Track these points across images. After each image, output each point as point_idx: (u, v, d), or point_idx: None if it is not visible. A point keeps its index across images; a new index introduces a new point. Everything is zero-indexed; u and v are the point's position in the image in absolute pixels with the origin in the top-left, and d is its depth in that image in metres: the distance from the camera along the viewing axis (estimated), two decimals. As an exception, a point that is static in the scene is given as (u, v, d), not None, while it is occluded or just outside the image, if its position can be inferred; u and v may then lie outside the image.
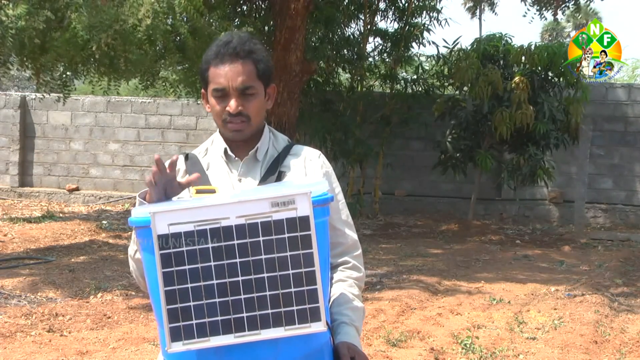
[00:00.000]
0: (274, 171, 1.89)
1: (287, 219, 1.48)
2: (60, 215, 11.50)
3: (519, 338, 5.21)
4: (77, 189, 13.74)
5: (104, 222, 10.78)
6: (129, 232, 9.55)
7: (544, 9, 11.84)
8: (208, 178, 1.89)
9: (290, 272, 1.49)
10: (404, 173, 12.55)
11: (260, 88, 1.88)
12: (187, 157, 1.96)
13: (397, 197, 12.55)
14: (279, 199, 1.48)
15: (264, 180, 1.88)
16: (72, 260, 7.89)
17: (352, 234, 1.94)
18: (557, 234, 10.81)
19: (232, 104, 1.83)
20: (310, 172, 1.92)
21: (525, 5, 11.89)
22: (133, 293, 6.31)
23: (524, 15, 12.22)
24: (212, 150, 1.97)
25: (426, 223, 11.49)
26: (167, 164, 1.74)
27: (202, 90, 1.94)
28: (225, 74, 1.84)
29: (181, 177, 1.90)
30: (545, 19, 12.29)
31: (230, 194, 1.71)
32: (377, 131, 11.80)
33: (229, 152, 1.92)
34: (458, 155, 11.17)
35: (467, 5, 29.54)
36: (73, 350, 4.66)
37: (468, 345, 4.92)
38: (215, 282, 1.48)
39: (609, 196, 12.07)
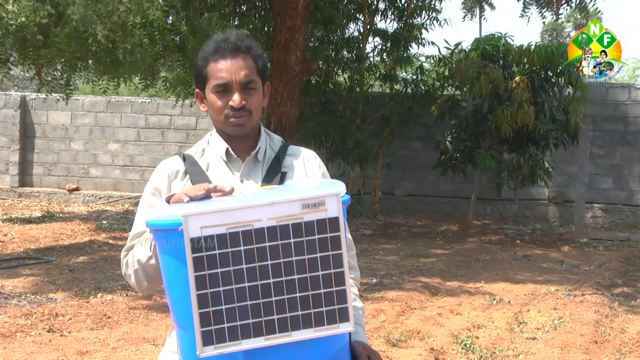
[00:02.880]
0: (276, 172, 1.89)
1: (317, 220, 1.48)
2: (60, 215, 11.49)
3: (519, 338, 5.21)
4: (77, 189, 13.74)
5: (104, 222, 10.78)
6: (129, 232, 9.53)
7: (544, 9, 11.82)
8: (208, 178, 1.87)
9: (320, 273, 1.48)
10: (404, 173, 12.55)
11: (260, 83, 1.88)
12: (184, 158, 1.93)
13: (397, 197, 12.55)
14: (310, 201, 1.48)
15: (267, 181, 1.88)
16: (72, 260, 7.89)
17: (348, 235, 1.94)
18: (557, 234, 10.81)
19: (236, 98, 1.83)
20: (310, 173, 1.92)
21: (527, 9, 11.87)
22: (133, 293, 6.31)
23: (521, 16, 12.19)
24: (210, 150, 1.94)
25: (426, 223, 11.49)
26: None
27: (197, 90, 1.92)
28: (227, 68, 1.83)
29: (181, 179, 1.90)
30: (545, 18, 12.23)
31: (250, 194, 1.70)
32: (376, 131, 11.79)
33: (231, 152, 1.91)
34: (458, 155, 11.16)
35: (467, 5, 29.49)
36: (73, 350, 4.66)
37: (468, 345, 4.92)
38: (247, 284, 1.47)
39: (609, 196, 12.07)
